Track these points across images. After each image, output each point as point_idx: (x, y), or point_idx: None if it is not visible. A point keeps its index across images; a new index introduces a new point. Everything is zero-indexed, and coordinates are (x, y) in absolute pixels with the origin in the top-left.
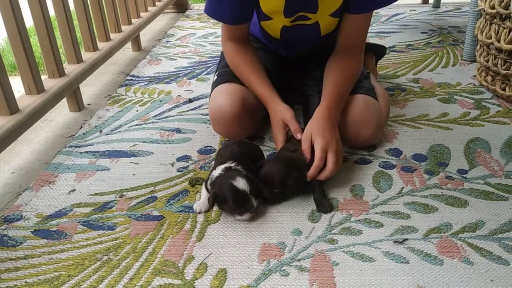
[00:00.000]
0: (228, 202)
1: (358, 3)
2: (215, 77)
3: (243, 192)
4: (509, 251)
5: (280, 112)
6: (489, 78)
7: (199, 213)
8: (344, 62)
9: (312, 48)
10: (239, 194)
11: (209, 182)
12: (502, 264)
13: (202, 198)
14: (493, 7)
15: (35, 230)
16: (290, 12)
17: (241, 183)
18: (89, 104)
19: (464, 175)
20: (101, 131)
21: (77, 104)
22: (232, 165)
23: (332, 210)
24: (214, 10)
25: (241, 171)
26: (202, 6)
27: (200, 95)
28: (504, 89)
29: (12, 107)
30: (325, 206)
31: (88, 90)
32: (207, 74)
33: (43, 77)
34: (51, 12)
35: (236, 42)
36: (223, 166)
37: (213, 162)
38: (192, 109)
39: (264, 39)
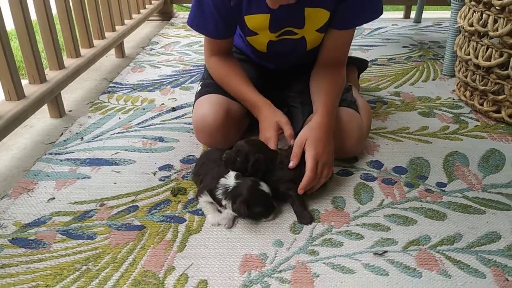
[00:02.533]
0: (259, 207)
1: (343, 20)
2: (199, 87)
3: (269, 195)
4: (486, 264)
5: (276, 115)
6: (467, 93)
7: (227, 227)
8: (331, 73)
9: (297, 61)
10: (268, 198)
11: (219, 192)
12: (478, 277)
13: (210, 210)
14: (471, 25)
15: (12, 238)
16: (275, 27)
17: (265, 187)
18: (70, 111)
19: (443, 188)
20: (82, 139)
21: (58, 110)
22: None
23: (312, 221)
24: (198, 24)
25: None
26: (187, 14)
27: (184, 104)
28: (482, 104)
29: None
30: (305, 217)
31: (70, 96)
32: (191, 83)
33: (24, 83)
34: (33, 16)
35: (220, 56)
36: (233, 174)
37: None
38: (175, 118)
39: (249, 51)
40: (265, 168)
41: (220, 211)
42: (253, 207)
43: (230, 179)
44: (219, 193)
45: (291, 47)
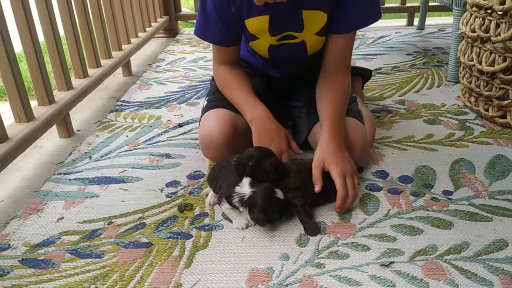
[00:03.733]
0: (276, 214)
1: (341, 24)
2: (205, 102)
3: (284, 201)
4: (493, 272)
5: (281, 127)
6: (472, 99)
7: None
8: (335, 80)
9: (301, 68)
10: (283, 204)
11: (235, 200)
12: (486, 285)
13: (233, 215)
14: (473, 31)
15: (22, 259)
16: (275, 31)
17: (280, 194)
18: (78, 130)
19: (449, 196)
20: (90, 158)
21: (66, 130)
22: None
23: (319, 233)
24: (205, 33)
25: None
26: (192, 30)
27: (190, 120)
28: (487, 110)
29: (1, 135)
30: (312, 228)
31: (78, 116)
32: (197, 98)
33: (33, 104)
34: (40, 37)
35: (228, 65)
36: (247, 181)
37: (205, 186)
38: (182, 134)
39: (255, 61)
40: (281, 171)
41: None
42: (271, 215)
43: (245, 187)
44: (235, 201)
45: (292, 52)
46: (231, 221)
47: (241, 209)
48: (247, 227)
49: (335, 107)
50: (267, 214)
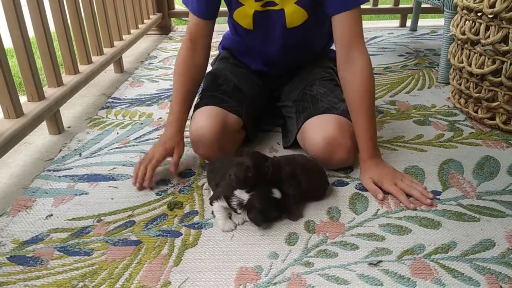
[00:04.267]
0: (274, 213)
1: (332, 2)
2: (197, 99)
3: (281, 200)
4: (480, 272)
5: (177, 139)
6: (462, 101)
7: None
8: (353, 64)
9: (287, 56)
10: (280, 203)
11: (234, 202)
12: (473, 285)
13: (222, 217)
14: (463, 33)
15: (11, 256)
16: None
17: (277, 194)
18: (69, 127)
19: (438, 197)
20: (80, 155)
21: (57, 127)
22: None
23: (300, 218)
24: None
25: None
26: (185, 28)
27: None
28: (476, 111)
29: None
30: (294, 214)
31: (68, 112)
32: None
33: (22, 100)
34: (31, 33)
35: (193, 44)
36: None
37: (195, 184)
38: None
39: (247, 58)
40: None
41: (230, 218)
42: (270, 215)
43: (242, 193)
44: (234, 203)
45: (273, 22)
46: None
47: (239, 211)
48: (231, 231)
49: (363, 114)
50: (265, 214)
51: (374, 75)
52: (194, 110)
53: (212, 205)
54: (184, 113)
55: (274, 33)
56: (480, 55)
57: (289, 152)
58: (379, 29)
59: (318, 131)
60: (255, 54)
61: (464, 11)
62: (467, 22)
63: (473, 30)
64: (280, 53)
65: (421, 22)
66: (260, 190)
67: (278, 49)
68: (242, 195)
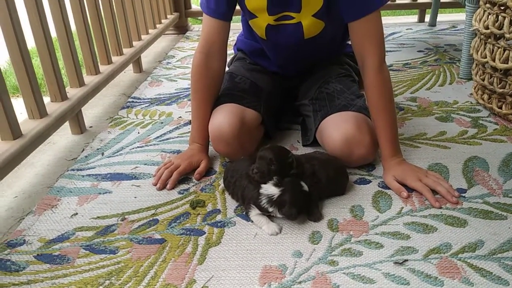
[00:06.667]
0: (305, 206)
1: (349, 10)
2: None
3: (310, 193)
4: (509, 271)
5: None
6: (485, 97)
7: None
8: (374, 78)
9: (300, 56)
10: (310, 196)
11: (264, 202)
12: (502, 284)
13: (263, 222)
14: (487, 27)
15: (38, 254)
16: (273, 10)
17: (305, 187)
18: (91, 127)
19: (463, 194)
20: (102, 154)
21: (79, 127)
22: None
23: (321, 219)
24: (202, 3)
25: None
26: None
27: None
28: (500, 107)
29: (15, 132)
30: (315, 215)
31: (90, 112)
32: None
33: (46, 100)
34: (53, 34)
35: (206, 57)
36: (272, 181)
37: (216, 183)
38: None
39: (263, 61)
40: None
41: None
42: (300, 208)
43: (271, 188)
44: (263, 202)
45: (288, 34)
46: (245, 219)
47: (270, 209)
48: (277, 234)
49: (385, 118)
50: (298, 208)
51: (393, 72)
52: (213, 108)
53: (249, 216)
54: (207, 128)
55: (289, 43)
56: (504, 49)
57: (309, 150)
58: (397, 25)
59: (336, 129)
60: (270, 58)
61: (487, 5)
62: (490, 16)
63: (496, 24)
64: (294, 59)
65: (440, 17)
66: (289, 183)
67: (293, 56)
68: (271, 189)
